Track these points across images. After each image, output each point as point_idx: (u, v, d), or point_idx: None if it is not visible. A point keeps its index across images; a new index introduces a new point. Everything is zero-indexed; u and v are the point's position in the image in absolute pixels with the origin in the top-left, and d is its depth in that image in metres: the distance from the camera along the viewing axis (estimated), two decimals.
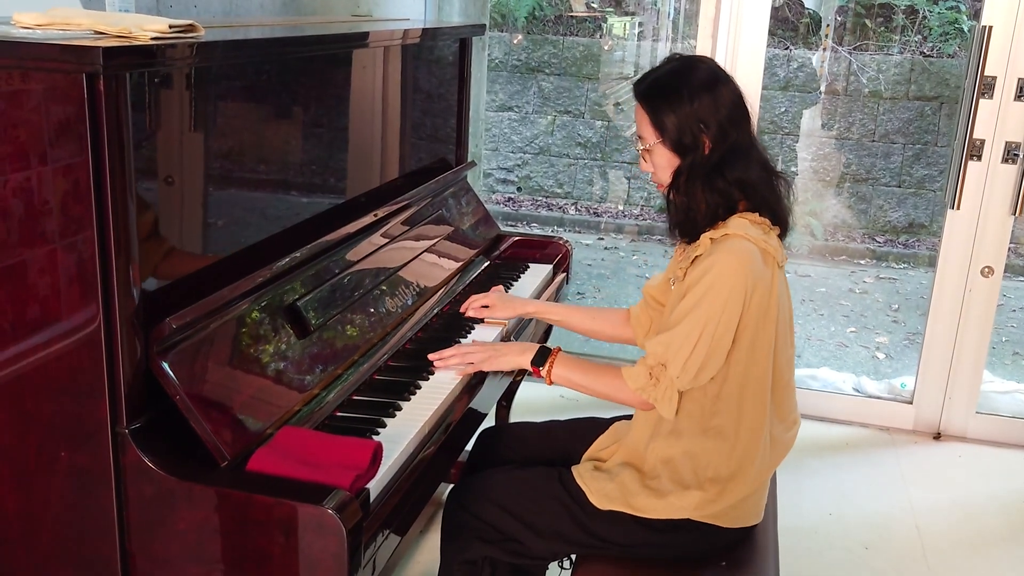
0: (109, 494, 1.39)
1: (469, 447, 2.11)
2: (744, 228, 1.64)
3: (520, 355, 1.84)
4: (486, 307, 2.13)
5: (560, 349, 1.82)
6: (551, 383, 1.80)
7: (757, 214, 1.69)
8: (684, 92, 1.66)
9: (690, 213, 1.69)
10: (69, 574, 1.47)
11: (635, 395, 1.69)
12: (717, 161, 1.67)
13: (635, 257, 6.06)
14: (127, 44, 1.32)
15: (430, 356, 1.88)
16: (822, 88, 6.14)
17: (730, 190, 1.67)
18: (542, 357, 1.81)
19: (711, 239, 1.65)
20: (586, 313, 2.13)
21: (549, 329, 2.63)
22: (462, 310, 2.14)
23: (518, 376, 2.58)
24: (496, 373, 1.97)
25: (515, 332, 2.18)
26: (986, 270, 3.19)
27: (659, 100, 1.68)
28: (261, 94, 1.77)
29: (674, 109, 1.66)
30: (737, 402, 1.68)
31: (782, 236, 1.75)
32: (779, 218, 1.73)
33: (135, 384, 1.37)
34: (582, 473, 1.77)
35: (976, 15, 3.13)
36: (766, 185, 1.71)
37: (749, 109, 1.72)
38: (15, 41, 1.28)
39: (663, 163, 1.70)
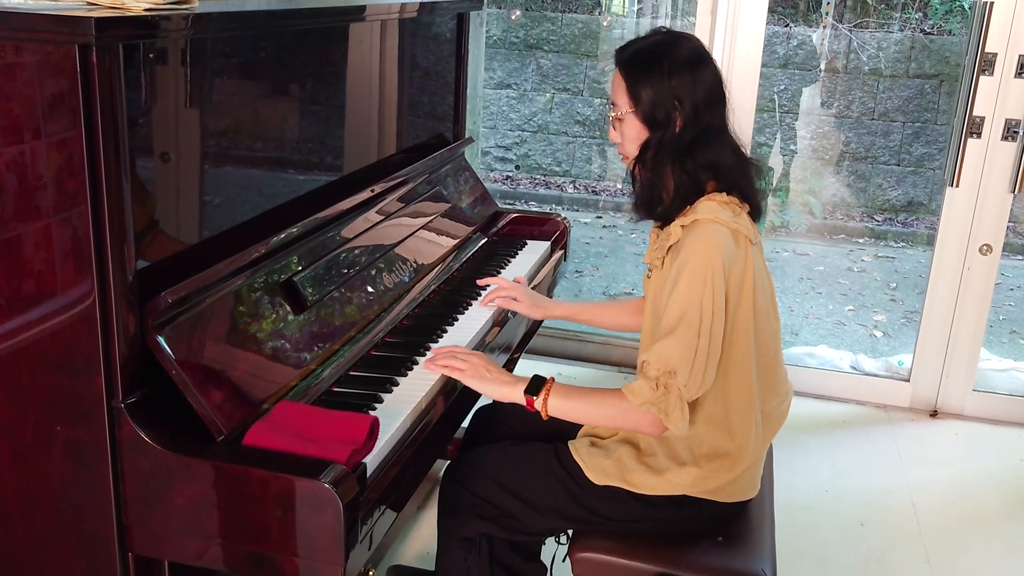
0: (106, 469, 1.39)
1: (466, 424, 2.12)
2: (713, 211, 1.62)
3: (512, 387, 1.69)
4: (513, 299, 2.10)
5: (554, 380, 1.69)
6: (547, 417, 1.66)
7: (725, 194, 1.66)
8: (665, 66, 1.64)
9: (655, 191, 1.68)
10: (67, 549, 1.47)
11: (640, 411, 1.58)
12: (688, 142, 1.65)
13: (633, 235, 6.05)
14: (120, 15, 1.31)
15: (425, 364, 1.77)
16: (822, 66, 6.11)
17: (699, 172, 1.66)
18: (536, 388, 1.67)
19: (682, 226, 1.64)
20: (611, 308, 2.11)
21: (539, 322, 2.61)
22: (484, 303, 2.10)
23: (515, 354, 2.58)
24: (493, 350, 1.97)
25: (510, 312, 2.17)
26: (984, 248, 3.19)
27: (638, 70, 1.66)
28: (257, 68, 1.75)
29: (652, 82, 1.64)
30: (722, 388, 1.67)
31: (754, 217, 1.73)
32: (750, 201, 1.70)
33: (131, 359, 1.37)
34: (579, 449, 1.78)
35: None
36: (737, 169, 1.69)
37: (727, 94, 1.70)
38: (6, 11, 1.27)
39: (632, 134, 1.69)
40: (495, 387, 1.70)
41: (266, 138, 1.81)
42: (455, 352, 1.76)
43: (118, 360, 1.35)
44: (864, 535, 2.65)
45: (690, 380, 1.57)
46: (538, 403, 1.65)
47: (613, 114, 1.71)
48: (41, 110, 1.28)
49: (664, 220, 1.70)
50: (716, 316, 1.59)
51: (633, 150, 1.70)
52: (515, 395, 1.68)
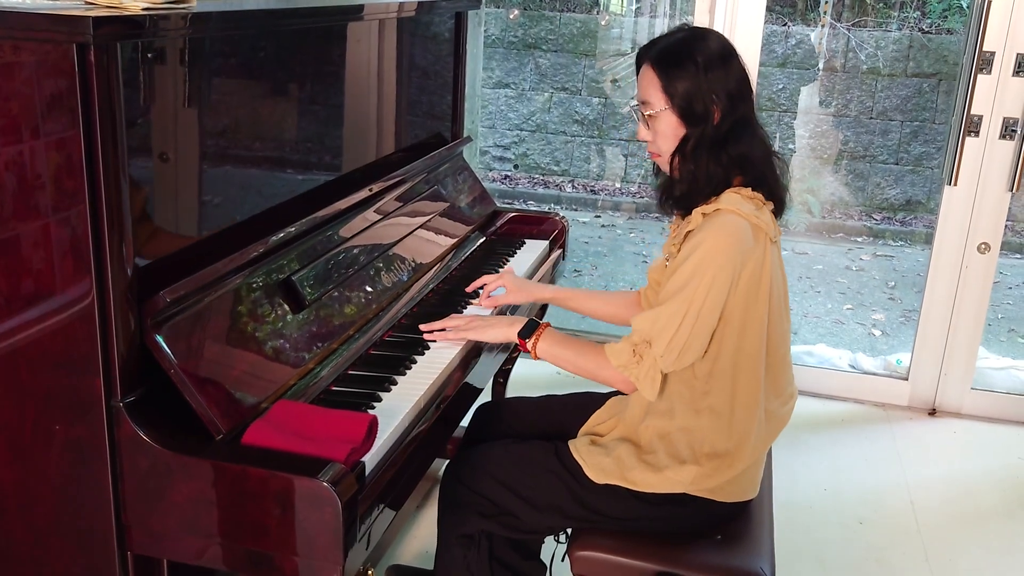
0: (104, 467, 1.39)
1: (466, 422, 2.12)
2: (736, 203, 1.64)
3: (508, 327, 1.84)
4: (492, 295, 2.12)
5: (549, 324, 1.82)
6: (537, 358, 1.80)
7: (750, 189, 1.68)
8: (699, 61, 1.65)
9: (694, 184, 1.68)
10: (66, 547, 1.48)
11: (617, 373, 1.67)
12: (725, 134, 1.66)
13: (632, 235, 6.05)
14: (118, 14, 1.31)
15: (421, 327, 1.89)
16: (820, 65, 6.11)
17: (731, 165, 1.67)
18: (529, 330, 1.81)
19: (703, 214, 1.65)
20: (600, 297, 2.11)
21: (544, 308, 2.63)
22: (469, 290, 2.13)
23: (514, 352, 2.59)
24: (492, 349, 1.97)
25: (509, 309, 2.18)
26: (983, 247, 3.19)
27: (673, 66, 1.66)
28: (255, 67, 1.75)
29: (688, 77, 1.65)
30: (730, 379, 1.68)
31: (777, 213, 1.74)
32: (774, 195, 1.72)
33: (129, 358, 1.37)
34: (579, 447, 1.78)
35: None
36: (765, 162, 1.71)
37: (753, 86, 1.72)
38: (4, 11, 1.27)
39: (667, 131, 1.69)
40: (498, 331, 1.85)
41: (264, 137, 1.81)
42: (448, 323, 1.89)
43: (117, 359, 1.35)
44: (863, 533, 2.65)
45: (666, 353, 1.62)
46: (529, 344, 1.79)
47: (647, 112, 1.70)
48: (39, 109, 1.28)
49: (689, 212, 1.71)
50: (709, 304, 1.60)
51: (668, 146, 1.70)
52: (512, 336, 1.83)
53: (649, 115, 1.70)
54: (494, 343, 1.92)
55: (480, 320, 1.89)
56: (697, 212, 1.66)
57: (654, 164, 1.79)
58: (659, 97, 1.68)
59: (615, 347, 1.68)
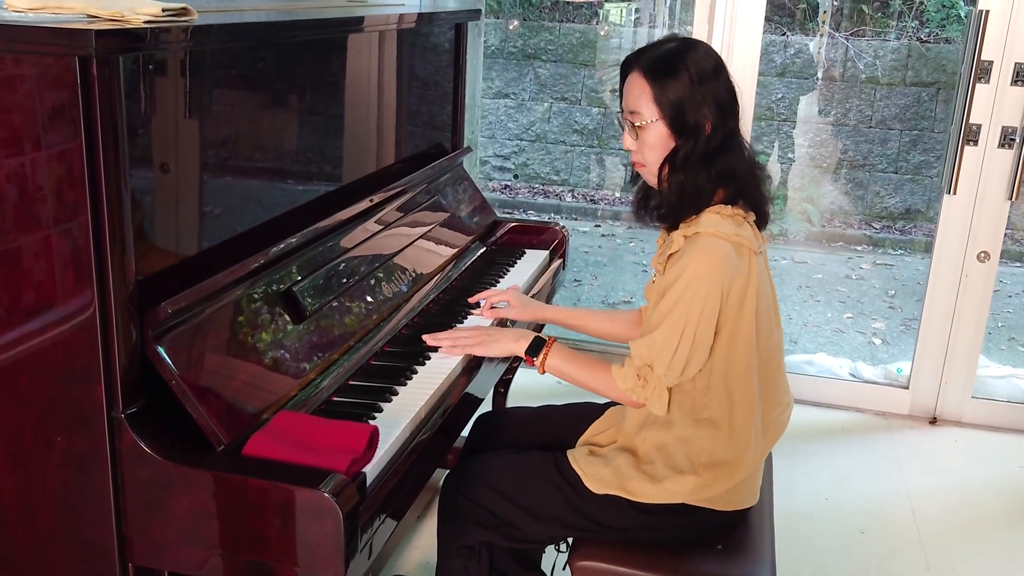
0: (106, 478, 1.39)
1: (466, 432, 2.12)
2: (716, 225, 1.63)
3: (515, 342, 1.85)
4: (495, 306, 2.12)
5: (555, 339, 1.82)
6: (543, 372, 1.81)
7: (730, 206, 1.67)
8: (692, 72, 1.64)
9: (683, 195, 1.67)
10: (67, 558, 1.47)
11: (624, 395, 1.70)
12: (716, 146, 1.66)
13: (632, 244, 6.06)
14: (120, 27, 1.31)
15: (424, 337, 1.89)
16: (819, 74, 6.12)
17: (718, 178, 1.66)
18: (537, 347, 1.81)
19: (684, 236, 1.65)
20: (603, 317, 2.10)
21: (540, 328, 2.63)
22: (472, 301, 2.13)
23: (515, 362, 2.59)
24: (492, 359, 1.97)
25: (509, 323, 2.18)
26: (982, 255, 3.19)
27: (666, 77, 1.64)
28: (256, 79, 1.76)
29: (681, 89, 1.63)
30: (726, 392, 1.69)
31: (760, 225, 1.73)
32: (757, 208, 1.72)
33: (131, 369, 1.37)
34: (577, 458, 1.78)
35: (973, 0, 3.13)
36: (749, 176, 1.70)
37: (751, 96, 1.73)
38: (7, 25, 1.28)
39: (655, 142, 1.67)
40: (504, 345, 1.86)
41: (265, 148, 1.81)
42: (452, 335, 1.89)
43: (118, 370, 1.35)
44: (864, 543, 2.64)
45: (668, 372, 1.64)
46: (537, 361, 1.81)
47: (637, 123, 1.68)
48: (41, 121, 1.28)
49: (674, 227, 1.70)
50: (703, 323, 1.61)
51: (655, 157, 1.68)
52: (519, 351, 1.85)
53: (638, 126, 1.68)
54: (498, 357, 1.92)
55: (484, 335, 1.88)
56: (678, 235, 1.66)
57: (633, 171, 1.78)
58: (650, 108, 1.66)
59: (621, 371, 1.69)
